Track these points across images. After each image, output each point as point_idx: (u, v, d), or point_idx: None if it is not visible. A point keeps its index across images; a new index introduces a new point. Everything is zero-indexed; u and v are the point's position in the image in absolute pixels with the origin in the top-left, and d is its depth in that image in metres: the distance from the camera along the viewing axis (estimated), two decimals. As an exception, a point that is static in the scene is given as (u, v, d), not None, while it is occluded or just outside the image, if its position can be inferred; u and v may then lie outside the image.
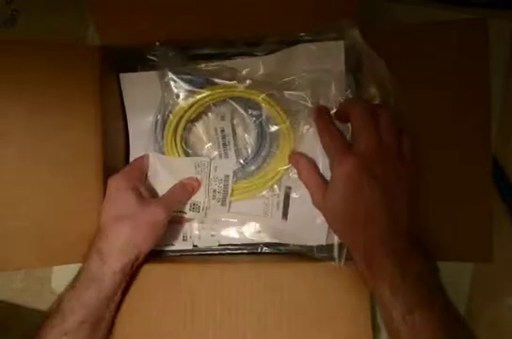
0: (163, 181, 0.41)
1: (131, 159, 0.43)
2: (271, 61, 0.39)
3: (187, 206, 0.41)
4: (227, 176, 0.40)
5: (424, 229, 0.35)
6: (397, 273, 0.29)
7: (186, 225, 0.42)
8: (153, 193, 0.40)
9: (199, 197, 0.41)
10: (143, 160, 0.40)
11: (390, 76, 0.34)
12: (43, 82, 0.37)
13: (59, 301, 0.33)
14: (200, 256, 0.42)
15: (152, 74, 0.41)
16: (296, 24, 0.37)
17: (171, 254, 0.42)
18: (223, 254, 0.42)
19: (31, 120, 0.37)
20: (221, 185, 0.40)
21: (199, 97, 0.39)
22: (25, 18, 0.49)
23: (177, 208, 0.40)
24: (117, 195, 0.37)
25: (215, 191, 0.41)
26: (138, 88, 0.42)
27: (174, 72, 0.39)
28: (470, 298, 0.44)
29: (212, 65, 0.40)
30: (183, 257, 0.42)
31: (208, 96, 0.39)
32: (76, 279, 0.34)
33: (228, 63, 0.40)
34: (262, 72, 0.39)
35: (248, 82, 0.39)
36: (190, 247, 0.42)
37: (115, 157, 0.41)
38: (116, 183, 0.37)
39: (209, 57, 0.40)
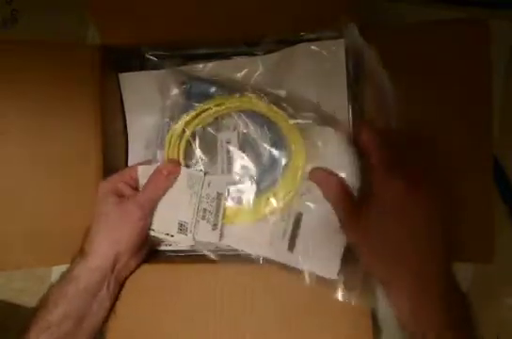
0: None
1: (130, 159, 0.43)
2: (271, 61, 0.39)
3: (175, 227, 0.37)
4: (220, 194, 0.37)
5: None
6: (445, 321, 0.28)
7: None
8: None
9: (186, 216, 0.37)
10: (136, 168, 0.38)
11: (386, 74, 0.34)
12: (43, 82, 0.37)
13: (45, 296, 0.34)
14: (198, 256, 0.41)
15: (152, 74, 0.41)
16: (296, 23, 0.37)
17: (170, 254, 0.41)
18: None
19: (31, 119, 0.37)
20: (213, 203, 0.37)
21: (208, 106, 0.37)
22: (25, 18, 0.49)
23: (156, 201, 0.36)
24: (100, 197, 0.36)
25: (205, 210, 0.37)
26: (138, 88, 0.42)
27: (187, 77, 0.38)
28: (469, 299, 0.43)
29: (211, 65, 0.40)
30: (182, 257, 0.41)
31: (219, 106, 0.37)
32: (61, 275, 0.35)
33: (227, 63, 0.40)
34: (261, 71, 0.39)
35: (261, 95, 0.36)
36: (192, 242, 0.38)
37: (115, 157, 0.41)
38: (101, 186, 0.37)
39: (208, 57, 0.40)
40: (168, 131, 0.38)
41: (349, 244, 0.34)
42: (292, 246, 0.36)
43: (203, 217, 0.37)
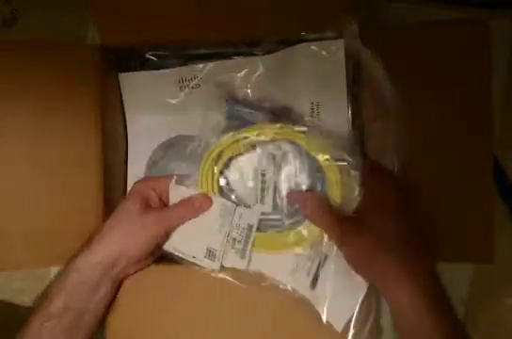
0: None
1: (129, 159, 0.42)
2: (271, 61, 0.39)
3: (203, 252, 0.37)
4: (250, 226, 0.37)
5: (426, 229, 0.35)
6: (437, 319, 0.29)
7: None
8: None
9: (215, 243, 0.37)
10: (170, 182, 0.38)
11: (386, 76, 0.34)
12: (43, 82, 0.37)
13: (48, 287, 0.34)
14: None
15: (152, 74, 0.41)
16: (296, 23, 0.37)
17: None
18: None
19: (30, 120, 0.37)
20: (243, 234, 0.37)
21: (248, 135, 0.35)
22: (25, 18, 0.49)
23: (176, 226, 0.37)
24: (130, 195, 0.37)
25: (234, 240, 0.37)
26: (138, 88, 0.42)
27: (229, 96, 0.38)
28: (469, 299, 0.43)
29: (211, 65, 0.40)
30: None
31: (259, 135, 0.35)
32: (64, 267, 0.35)
33: (227, 63, 0.40)
34: (261, 71, 0.39)
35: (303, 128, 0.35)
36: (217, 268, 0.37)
37: (115, 158, 0.41)
38: (136, 184, 0.38)
39: (208, 57, 0.40)
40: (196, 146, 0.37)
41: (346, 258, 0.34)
42: (314, 285, 0.36)
43: (232, 246, 0.37)
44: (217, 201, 0.37)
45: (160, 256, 0.39)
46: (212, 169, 0.37)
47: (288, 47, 0.38)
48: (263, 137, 0.35)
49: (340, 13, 0.34)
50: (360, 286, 0.34)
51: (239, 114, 0.37)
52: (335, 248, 0.35)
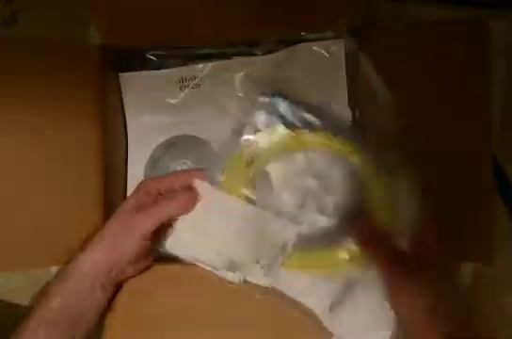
0: (212, 220, 0.34)
1: (129, 159, 0.42)
2: (271, 61, 0.39)
3: (222, 262, 0.33)
4: (285, 244, 0.32)
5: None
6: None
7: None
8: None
9: (239, 254, 0.33)
10: (179, 179, 0.35)
11: (380, 81, 0.34)
12: (43, 82, 0.37)
13: (45, 286, 0.34)
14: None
15: (153, 74, 0.41)
16: (297, 23, 0.37)
17: None
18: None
19: (30, 119, 0.37)
20: (273, 251, 0.32)
21: (291, 140, 0.31)
22: (26, 18, 0.49)
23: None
24: (129, 197, 0.36)
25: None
26: (138, 88, 0.42)
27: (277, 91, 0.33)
28: (469, 299, 0.43)
29: (211, 64, 0.40)
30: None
31: (304, 144, 0.31)
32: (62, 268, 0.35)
33: (227, 63, 0.40)
34: (261, 71, 0.39)
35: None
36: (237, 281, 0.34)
37: (115, 157, 0.41)
38: (143, 183, 0.36)
39: (208, 57, 0.40)
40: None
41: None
42: (333, 309, 0.33)
43: (257, 261, 0.33)
44: (249, 211, 0.32)
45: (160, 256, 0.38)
46: (241, 176, 0.32)
47: (288, 47, 0.38)
48: (310, 147, 0.31)
49: (340, 13, 0.34)
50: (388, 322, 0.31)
51: (281, 113, 0.33)
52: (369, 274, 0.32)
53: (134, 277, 0.37)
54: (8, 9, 0.49)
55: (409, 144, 0.35)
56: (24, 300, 0.48)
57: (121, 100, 0.42)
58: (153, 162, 0.43)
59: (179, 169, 0.42)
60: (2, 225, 0.36)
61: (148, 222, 0.34)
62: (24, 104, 0.37)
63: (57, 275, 0.35)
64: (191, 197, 0.34)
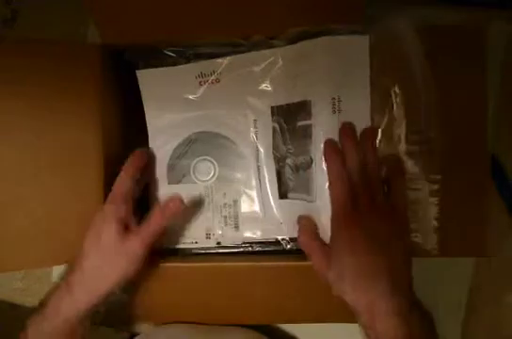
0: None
1: (157, 157, 0.42)
2: (291, 53, 0.38)
3: (203, 235, 0.41)
4: (235, 201, 0.41)
5: (425, 227, 0.35)
6: (401, 335, 0.30)
7: (210, 223, 0.41)
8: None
9: (211, 224, 0.41)
10: (128, 188, 0.37)
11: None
12: (44, 81, 0.37)
13: (45, 299, 0.34)
14: (223, 255, 0.41)
15: (171, 70, 0.40)
16: (319, 15, 0.35)
17: (195, 252, 0.41)
18: (247, 253, 0.41)
19: (31, 119, 0.37)
20: (231, 210, 0.41)
21: None
22: (26, 18, 0.49)
23: (158, 235, 0.36)
24: (102, 222, 0.35)
25: (226, 217, 0.41)
26: (156, 85, 0.41)
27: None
28: (470, 298, 0.44)
29: (230, 59, 0.39)
30: (203, 256, 0.41)
31: None
32: (42, 306, 0.34)
33: (246, 56, 0.39)
34: (281, 64, 0.38)
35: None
36: (214, 245, 0.41)
37: (115, 157, 0.41)
38: (107, 209, 0.36)
39: (211, 57, 0.40)
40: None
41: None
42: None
43: (226, 224, 0.41)
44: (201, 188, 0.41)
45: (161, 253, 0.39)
46: None
47: (309, 39, 0.37)
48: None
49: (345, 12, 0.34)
50: None
51: None
52: None
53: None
54: (7, 9, 0.49)
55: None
56: (24, 300, 0.48)
57: (122, 100, 0.42)
58: (175, 160, 0.42)
59: (200, 166, 0.42)
60: (2, 225, 0.36)
61: (145, 243, 0.35)
62: (23, 104, 0.37)
63: (38, 315, 0.34)
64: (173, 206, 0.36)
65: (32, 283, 0.48)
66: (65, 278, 0.35)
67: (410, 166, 0.36)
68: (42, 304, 0.34)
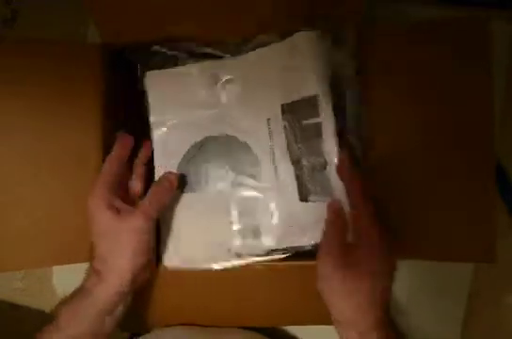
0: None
1: (157, 161, 0.40)
2: (247, 62, 0.39)
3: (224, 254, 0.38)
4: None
5: (427, 230, 0.35)
6: None
7: (227, 235, 0.39)
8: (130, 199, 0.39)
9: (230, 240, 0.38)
10: (112, 169, 0.37)
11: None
12: (44, 81, 0.37)
13: (55, 314, 0.34)
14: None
15: (178, 71, 0.40)
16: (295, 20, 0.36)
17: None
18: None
19: (31, 120, 0.37)
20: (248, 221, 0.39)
21: None
22: (26, 18, 0.49)
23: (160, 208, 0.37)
24: (96, 214, 0.35)
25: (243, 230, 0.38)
26: (166, 86, 0.40)
27: None
28: (470, 299, 0.43)
29: (241, 58, 0.39)
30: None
31: None
32: (73, 294, 0.35)
33: (259, 54, 0.39)
34: (239, 73, 0.39)
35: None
36: (234, 257, 0.38)
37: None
38: (91, 202, 0.35)
39: (218, 57, 0.40)
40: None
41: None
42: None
43: (244, 236, 0.38)
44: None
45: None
46: None
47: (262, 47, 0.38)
48: None
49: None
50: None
51: None
52: None
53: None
54: (7, 9, 0.49)
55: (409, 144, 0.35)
56: (24, 300, 0.48)
57: (122, 99, 0.42)
58: (188, 161, 0.40)
59: (213, 172, 0.40)
60: (2, 225, 0.36)
61: (148, 218, 0.35)
62: (23, 105, 0.37)
63: (72, 299, 0.34)
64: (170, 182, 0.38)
65: (32, 283, 0.48)
66: (92, 268, 0.35)
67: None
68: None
